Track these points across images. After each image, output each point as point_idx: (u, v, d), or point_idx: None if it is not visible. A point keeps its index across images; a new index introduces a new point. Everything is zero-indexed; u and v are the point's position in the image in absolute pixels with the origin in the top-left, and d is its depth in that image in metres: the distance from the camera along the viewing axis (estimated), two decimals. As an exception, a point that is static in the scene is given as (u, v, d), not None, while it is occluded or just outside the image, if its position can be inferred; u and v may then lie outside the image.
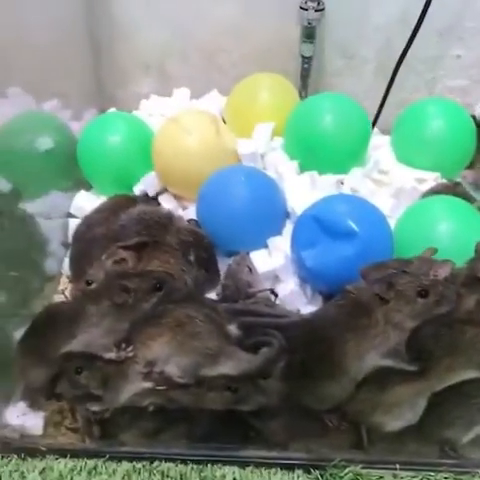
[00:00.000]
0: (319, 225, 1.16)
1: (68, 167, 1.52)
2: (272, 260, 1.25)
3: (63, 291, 1.38)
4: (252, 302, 1.15)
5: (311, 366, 1.00)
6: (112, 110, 1.66)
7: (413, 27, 1.49)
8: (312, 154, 1.39)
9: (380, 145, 1.48)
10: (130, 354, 0.98)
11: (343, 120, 1.39)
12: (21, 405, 1.12)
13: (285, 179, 1.36)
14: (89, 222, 1.37)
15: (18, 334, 1.13)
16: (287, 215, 1.32)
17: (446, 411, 0.99)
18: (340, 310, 1.01)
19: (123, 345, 0.98)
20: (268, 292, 1.22)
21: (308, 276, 1.20)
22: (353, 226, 1.14)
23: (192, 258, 1.21)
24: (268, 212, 1.29)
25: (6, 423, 1.10)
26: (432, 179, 1.40)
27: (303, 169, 1.40)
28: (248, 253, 1.26)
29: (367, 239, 1.14)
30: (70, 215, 1.48)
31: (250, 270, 1.21)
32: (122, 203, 1.39)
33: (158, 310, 1.01)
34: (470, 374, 0.96)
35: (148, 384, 0.98)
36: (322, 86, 1.65)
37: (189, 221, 1.29)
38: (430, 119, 1.44)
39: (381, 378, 0.99)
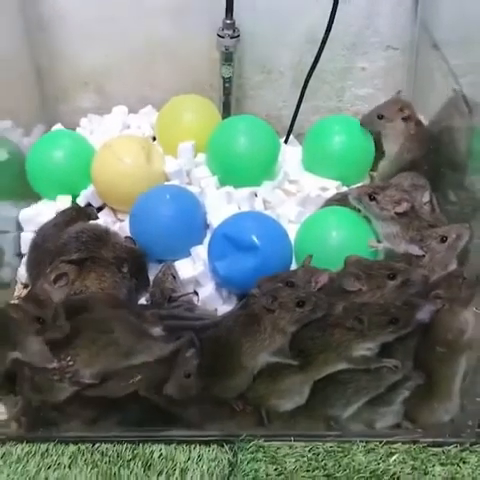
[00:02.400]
0: (228, 240, 1.38)
1: (18, 181, 1.70)
2: (194, 267, 1.47)
3: (18, 297, 1.58)
4: (175, 306, 1.37)
5: (217, 364, 1.23)
6: (58, 126, 1.85)
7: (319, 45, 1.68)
8: (229, 170, 1.60)
9: (291, 156, 1.69)
10: (70, 363, 1.20)
11: (255, 139, 1.60)
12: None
13: (206, 193, 1.57)
14: (44, 234, 1.56)
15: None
16: (207, 226, 1.52)
17: (327, 394, 1.23)
18: (237, 319, 1.23)
19: (62, 356, 1.21)
20: (190, 295, 1.44)
21: (221, 282, 1.42)
22: (255, 241, 1.36)
23: (125, 270, 1.42)
24: (190, 225, 1.49)
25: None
26: (334, 187, 1.62)
27: (223, 183, 1.60)
28: (173, 262, 1.47)
29: (268, 251, 1.36)
30: (20, 227, 1.66)
31: (174, 278, 1.42)
32: (74, 217, 1.59)
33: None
34: (341, 366, 1.20)
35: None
36: (245, 98, 1.85)
37: (126, 238, 1.48)
38: (334, 135, 1.65)
39: (272, 371, 1.22)
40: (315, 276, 1.25)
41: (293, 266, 1.45)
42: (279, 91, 1.85)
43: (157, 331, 1.27)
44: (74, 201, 1.68)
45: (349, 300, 1.21)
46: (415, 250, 1.30)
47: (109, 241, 1.45)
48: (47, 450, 1.26)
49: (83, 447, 1.26)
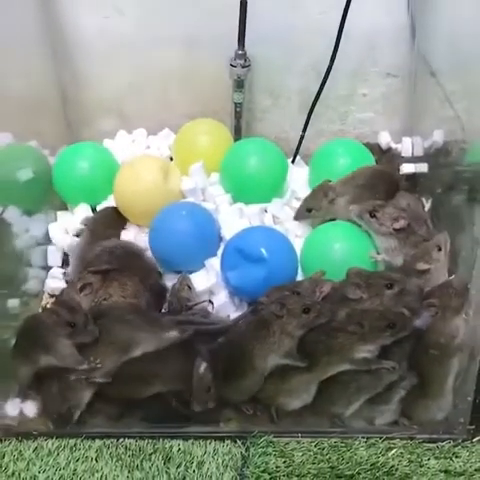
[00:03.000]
0: (239, 252, 1.50)
1: (45, 192, 1.83)
2: (208, 278, 1.59)
3: (45, 305, 1.69)
4: (191, 313, 1.50)
5: (231, 366, 1.35)
6: (81, 145, 1.99)
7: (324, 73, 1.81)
8: (241, 188, 1.73)
9: (298, 176, 1.82)
10: (99, 366, 1.33)
11: (265, 160, 1.74)
12: (17, 400, 1.44)
13: (220, 209, 1.70)
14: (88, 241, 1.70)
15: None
16: (221, 239, 1.64)
17: (331, 394, 1.35)
18: (248, 325, 1.36)
19: (91, 358, 1.33)
20: (206, 303, 1.55)
21: (233, 291, 1.54)
22: (264, 253, 1.48)
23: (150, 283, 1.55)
24: (205, 239, 1.62)
25: (6, 414, 1.42)
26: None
27: (235, 200, 1.73)
28: (188, 274, 1.58)
29: (275, 263, 1.49)
30: (48, 238, 1.78)
31: (189, 288, 1.54)
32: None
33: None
34: (344, 367, 1.32)
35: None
36: (254, 121, 1.98)
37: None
38: (338, 157, 1.78)
39: (281, 372, 1.34)
40: (319, 286, 1.38)
41: (299, 277, 1.56)
42: (286, 115, 1.97)
43: (174, 334, 1.38)
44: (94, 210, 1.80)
45: (351, 307, 1.33)
46: (423, 266, 1.43)
47: (140, 261, 1.58)
48: (75, 445, 1.37)
49: (108, 442, 1.37)
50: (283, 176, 1.75)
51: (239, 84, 1.81)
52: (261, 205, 1.71)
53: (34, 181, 1.78)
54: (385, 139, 1.95)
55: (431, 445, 1.34)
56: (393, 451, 1.32)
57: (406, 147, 1.92)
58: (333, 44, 1.77)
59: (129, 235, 1.72)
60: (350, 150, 1.80)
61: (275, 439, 1.37)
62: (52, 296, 1.71)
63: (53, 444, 1.38)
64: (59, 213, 1.84)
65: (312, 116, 1.88)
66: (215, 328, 1.42)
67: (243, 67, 1.79)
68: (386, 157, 1.93)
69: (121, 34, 1.87)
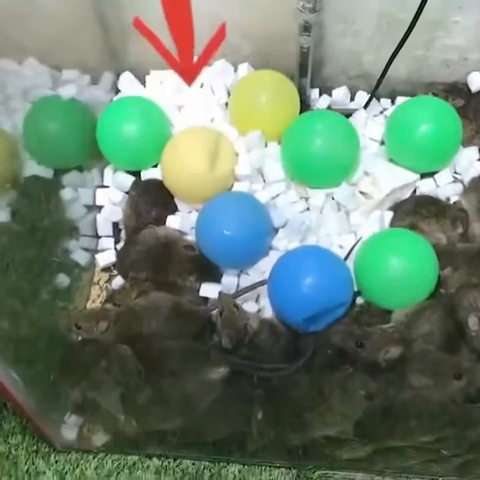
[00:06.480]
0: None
1: (89, 146, 1.66)
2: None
3: (98, 282, 1.64)
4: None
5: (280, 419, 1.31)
6: (126, 74, 1.78)
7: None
8: (305, 169, 1.53)
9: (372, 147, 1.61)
10: None
11: (334, 139, 1.51)
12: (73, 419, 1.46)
13: (278, 196, 1.54)
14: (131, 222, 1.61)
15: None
16: (276, 231, 1.51)
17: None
18: (307, 393, 1.28)
19: None
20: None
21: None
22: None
23: (193, 279, 1.49)
24: (255, 235, 1.46)
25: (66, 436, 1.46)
26: (412, 183, 1.55)
27: (297, 181, 1.55)
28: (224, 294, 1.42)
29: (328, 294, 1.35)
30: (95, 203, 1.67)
31: (237, 308, 1.38)
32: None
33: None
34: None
35: None
36: (324, 46, 1.69)
37: (185, 247, 1.50)
38: (419, 121, 1.54)
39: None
40: (387, 346, 1.28)
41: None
42: (361, 42, 1.67)
43: (222, 371, 1.31)
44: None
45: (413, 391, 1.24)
46: None
47: (175, 254, 1.50)
48: (134, 464, 1.44)
49: (166, 463, 1.45)
50: (355, 156, 1.54)
51: (306, 29, 1.51)
52: (327, 190, 1.53)
53: (79, 138, 1.64)
54: (475, 80, 1.65)
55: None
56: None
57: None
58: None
59: (177, 217, 1.58)
60: (431, 111, 1.56)
61: (330, 471, 1.40)
62: (105, 270, 1.64)
63: (113, 463, 1.44)
64: (106, 172, 1.70)
65: (390, 41, 1.57)
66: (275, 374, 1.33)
67: (312, 12, 1.48)
68: (475, 102, 1.65)
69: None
